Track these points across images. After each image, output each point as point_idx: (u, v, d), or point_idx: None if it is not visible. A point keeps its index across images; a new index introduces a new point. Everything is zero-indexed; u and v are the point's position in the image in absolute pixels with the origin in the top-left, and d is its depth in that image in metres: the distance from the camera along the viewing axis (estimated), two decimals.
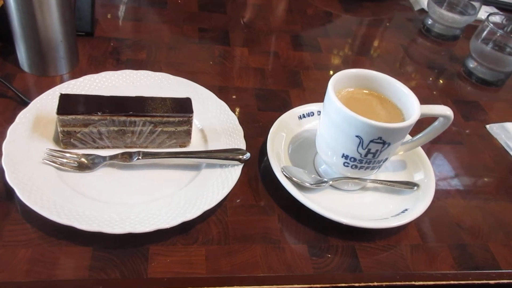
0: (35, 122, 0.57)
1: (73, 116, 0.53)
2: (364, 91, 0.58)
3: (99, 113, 0.54)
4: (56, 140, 0.56)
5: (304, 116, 0.67)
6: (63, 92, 0.55)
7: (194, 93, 0.66)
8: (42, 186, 0.50)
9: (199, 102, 0.64)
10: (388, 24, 1.04)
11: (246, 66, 0.80)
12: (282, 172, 0.56)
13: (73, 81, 0.64)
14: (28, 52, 0.66)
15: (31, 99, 0.61)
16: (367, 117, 0.50)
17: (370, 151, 0.52)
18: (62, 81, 0.68)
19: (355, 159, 0.53)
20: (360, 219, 0.53)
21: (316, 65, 0.85)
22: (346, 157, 0.54)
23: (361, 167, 0.54)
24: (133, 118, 0.55)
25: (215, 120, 0.63)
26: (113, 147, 0.58)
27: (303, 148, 0.64)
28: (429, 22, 1.02)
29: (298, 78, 0.80)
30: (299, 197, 0.54)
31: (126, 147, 0.58)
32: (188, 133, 0.59)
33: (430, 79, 0.88)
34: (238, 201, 0.57)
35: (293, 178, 0.56)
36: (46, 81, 0.68)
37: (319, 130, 0.57)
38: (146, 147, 0.59)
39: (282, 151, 0.62)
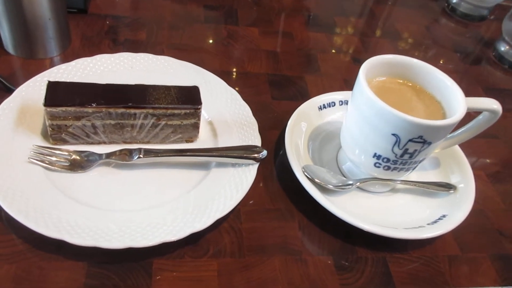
0: (20, 113, 0.50)
1: (63, 108, 0.46)
2: (398, 81, 0.50)
3: (94, 105, 0.46)
4: (45, 135, 0.49)
5: (324, 107, 0.60)
6: (51, 79, 0.48)
7: (201, 80, 0.59)
8: (28, 190, 0.43)
9: (207, 90, 0.57)
10: (410, 2, 0.96)
11: (257, 48, 0.72)
12: (303, 172, 0.49)
13: (63, 66, 0.56)
14: (13, 31, 0.58)
15: (16, 86, 0.53)
16: (404, 112, 0.42)
17: (407, 151, 0.45)
18: (51, 64, 0.60)
19: (388, 160, 0.47)
20: (393, 228, 0.47)
21: (333, 47, 0.77)
22: (378, 157, 0.47)
23: (394, 169, 0.48)
24: (132, 110, 0.48)
25: (225, 111, 0.56)
26: (110, 143, 0.50)
27: (324, 143, 0.57)
28: (454, 1, 0.93)
29: (314, 62, 0.72)
30: (323, 202, 0.47)
31: (124, 142, 0.51)
32: (196, 127, 0.51)
33: (457, 64, 0.81)
34: (251, 202, 0.50)
35: (315, 180, 0.49)
36: (33, 64, 0.60)
37: (346, 124, 0.50)
38: (147, 142, 0.51)
39: (301, 146, 0.55)
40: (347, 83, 0.69)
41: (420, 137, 0.43)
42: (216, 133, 0.54)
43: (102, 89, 0.48)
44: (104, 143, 0.50)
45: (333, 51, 0.76)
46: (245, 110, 0.56)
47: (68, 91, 0.47)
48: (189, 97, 0.50)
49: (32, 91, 0.52)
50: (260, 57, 0.70)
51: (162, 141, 0.52)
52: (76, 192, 0.45)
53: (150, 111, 0.48)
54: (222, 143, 0.53)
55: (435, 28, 0.90)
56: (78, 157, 0.48)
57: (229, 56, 0.69)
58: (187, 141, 0.53)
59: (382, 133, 0.45)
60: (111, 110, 0.47)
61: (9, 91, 0.54)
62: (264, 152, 0.50)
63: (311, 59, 0.73)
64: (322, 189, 0.49)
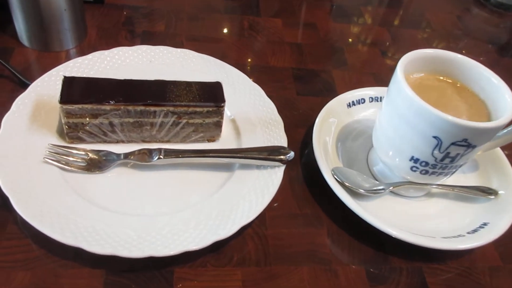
0: (35, 109, 0.47)
1: (80, 106, 0.43)
2: (437, 77, 0.47)
3: (111, 102, 0.44)
4: (60, 133, 0.47)
5: (353, 104, 0.56)
6: (67, 74, 0.45)
7: (223, 75, 0.56)
8: (43, 192, 0.41)
9: (229, 86, 0.54)
10: None
11: (280, 41, 0.68)
12: (332, 175, 0.46)
13: (80, 59, 0.53)
14: (27, 23, 0.56)
15: (31, 80, 0.51)
16: (445, 112, 0.39)
17: (448, 155, 0.41)
18: (67, 57, 0.58)
19: (427, 164, 0.43)
20: (430, 238, 0.43)
21: (360, 39, 0.73)
22: (415, 160, 0.43)
23: (433, 173, 0.44)
24: (152, 108, 0.45)
25: (249, 108, 0.53)
26: (128, 142, 0.48)
27: (353, 143, 0.54)
28: None
29: (341, 55, 0.68)
30: (354, 207, 0.44)
31: (143, 141, 0.48)
32: (219, 126, 0.49)
33: (490, 56, 0.76)
34: (276, 206, 0.47)
35: (346, 183, 0.46)
36: (49, 57, 0.58)
37: (380, 124, 0.47)
38: (167, 141, 0.49)
39: (330, 146, 0.52)
40: (376, 77, 0.65)
41: (465, 140, 0.40)
42: (239, 131, 0.51)
43: (120, 85, 0.45)
44: (122, 141, 0.48)
45: (360, 43, 0.72)
46: (270, 107, 0.53)
47: (84, 87, 0.44)
48: (212, 94, 0.47)
49: (47, 86, 0.50)
50: (283, 50, 0.67)
51: (183, 140, 0.49)
52: (93, 194, 0.42)
53: (171, 109, 0.45)
54: (245, 143, 0.50)
55: (467, 18, 0.85)
56: (95, 157, 0.45)
57: (251, 48, 0.66)
58: (209, 140, 0.50)
59: (421, 135, 0.41)
60: (130, 108, 0.44)
61: (24, 86, 0.51)
62: (291, 154, 0.47)
63: (337, 52, 0.69)
64: (353, 193, 0.46)
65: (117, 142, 0.48)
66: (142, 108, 0.45)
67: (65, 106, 0.43)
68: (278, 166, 0.47)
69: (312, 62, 0.65)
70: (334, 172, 0.47)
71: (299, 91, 0.60)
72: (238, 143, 0.50)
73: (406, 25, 0.79)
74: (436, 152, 0.41)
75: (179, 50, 0.58)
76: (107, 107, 0.44)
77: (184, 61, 0.57)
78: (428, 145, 0.41)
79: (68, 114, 0.44)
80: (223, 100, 0.46)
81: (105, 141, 0.47)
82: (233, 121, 0.52)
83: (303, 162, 0.52)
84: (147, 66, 0.55)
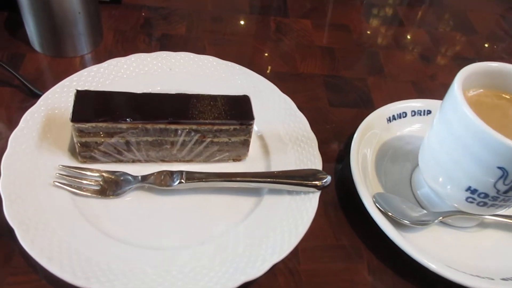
0: (45, 125, 0.43)
1: (93, 124, 0.39)
2: (498, 94, 0.41)
3: (128, 120, 0.39)
4: (72, 151, 0.42)
5: (394, 118, 0.51)
6: (81, 85, 0.42)
7: (249, 85, 0.51)
8: (52, 222, 0.37)
9: (256, 98, 0.48)
10: None
11: (310, 44, 0.63)
12: (374, 203, 0.41)
13: (95, 67, 0.49)
14: (39, 27, 0.51)
15: (42, 89, 0.47)
16: (507, 135, 0.33)
17: None
18: (82, 64, 0.54)
19: (486, 195, 0.37)
20: (487, 279, 0.38)
21: (398, 43, 0.67)
22: (472, 191, 0.38)
23: (492, 205, 0.38)
24: (173, 126, 0.40)
25: (278, 123, 0.48)
26: (146, 161, 0.43)
27: (395, 162, 0.48)
28: None
29: (377, 61, 0.63)
30: (398, 241, 0.39)
31: (162, 161, 0.44)
32: (246, 144, 0.44)
33: None
34: (309, 235, 0.42)
35: (389, 213, 0.41)
36: (62, 63, 0.53)
37: (429, 143, 0.41)
38: (189, 161, 0.44)
39: (369, 167, 0.46)
40: (416, 86, 0.59)
41: None
42: (268, 150, 0.46)
43: (138, 100, 0.41)
44: (139, 161, 0.43)
45: (397, 46, 0.66)
46: (302, 122, 0.48)
47: (99, 103, 0.40)
48: (239, 109, 0.42)
49: (59, 98, 0.46)
50: (314, 55, 0.61)
51: (206, 160, 0.44)
52: (108, 224, 0.38)
53: (194, 127, 0.41)
54: (275, 163, 0.45)
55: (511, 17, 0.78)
56: (110, 179, 0.41)
57: (278, 53, 0.61)
58: (234, 160, 0.45)
59: (482, 164, 0.35)
60: (149, 126, 0.40)
61: (34, 96, 0.47)
62: (328, 179, 0.42)
63: (373, 57, 0.63)
64: (396, 222, 0.41)
65: (133, 161, 0.43)
66: (162, 126, 0.40)
67: (77, 125, 0.39)
68: (313, 192, 0.41)
69: (345, 68, 0.60)
70: (376, 199, 0.41)
71: (331, 101, 0.55)
72: (267, 163, 0.45)
73: (446, 25, 0.73)
74: (499, 184, 0.36)
75: (201, 57, 0.53)
76: (124, 126, 0.39)
77: (207, 69, 0.52)
78: (491, 176, 0.35)
79: (80, 132, 0.39)
80: (252, 117, 0.41)
81: (120, 161, 0.43)
82: (261, 137, 0.47)
83: (338, 184, 0.46)
84: (167, 75, 0.51)
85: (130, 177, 0.41)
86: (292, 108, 0.49)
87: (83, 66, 0.51)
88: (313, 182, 0.41)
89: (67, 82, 0.47)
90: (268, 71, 0.56)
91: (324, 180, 0.41)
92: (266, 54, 0.60)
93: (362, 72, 0.60)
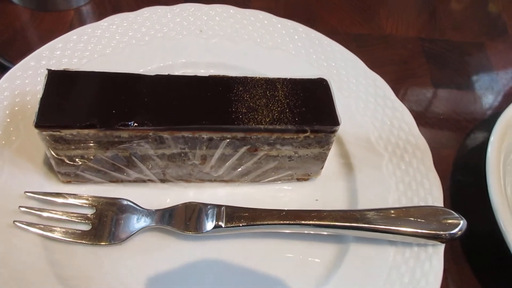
0: (11, 119, 0.28)
1: (74, 131, 0.23)
2: None
3: (132, 124, 0.23)
4: (49, 167, 0.27)
5: None
6: (66, 60, 0.27)
7: (318, 56, 0.34)
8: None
9: (331, 77, 0.31)
10: None
11: None
12: None
13: (89, 27, 0.34)
14: None
15: (14, 60, 0.32)
16: None
17: None
18: (75, 21, 0.38)
19: None
20: None
21: None
22: None
23: None
24: (207, 134, 0.24)
25: (366, 120, 0.31)
26: (161, 180, 0.28)
27: None
28: None
29: (497, 18, 0.43)
30: None
31: (187, 181, 0.28)
32: (321, 159, 0.27)
33: None
34: None
35: None
36: (47, 20, 0.40)
37: None
38: (229, 181, 0.28)
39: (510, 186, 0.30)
40: None
41: None
42: (351, 163, 0.30)
43: (149, 88, 0.25)
44: (151, 181, 0.28)
45: None
46: (404, 118, 0.31)
47: (85, 93, 0.24)
48: (314, 105, 0.25)
49: (33, 75, 0.30)
50: (405, 10, 0.42)
51: (255, 180, 0.28)
52: None
53: (240, 135, 0.24)
54: (363, 186, 0.29)
55: None
56: (105, 214, 0.26)
57: (354, 6, 0.42)
58: (299, 180, 0.29)
59: None
60: (166, 134, 0.24)
61: (3, 70, 0.32)
62: (462, 225, 0.25)
63: (491, 15, 0.44)
64: None
65: (143, 181, 0.28)
66: (189, 135, 0.24)
67: (46, 132, 0.23)
68: (433, 245, 0.25)
69: (451, 28, 0.42)
70: None
71: (435, 80, 0.38)
72: (349, 185, 0.29)
73: None
74: None
75: (246, 12, 0.36)
76: (125, 133, 0.24)
77: (255, 31, 0.35)
78: None
79: (55, 143, 0.24)
80: (336, 121, 0.25)
81: (121, 180, 0.27)
82: (339, 142, 0.30)
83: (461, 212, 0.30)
84: (195, 40, 0.35)
85: (137, 212, 0.26)
86: (386, 94, 0.32)
87: (75, 24, 0.35)
88: (436, 232, 0.25)
89: (46, 51, 0.31)
90: (338, 32, 0.38)
91: (455, 229, 0.25)
92: (337, 7, 0.42)
93: (477, 35, 0.42)
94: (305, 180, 0.29)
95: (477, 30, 0.42)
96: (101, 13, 0.39)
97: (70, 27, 0.36)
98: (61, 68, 0.26)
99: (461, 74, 0.39)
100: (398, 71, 0.38)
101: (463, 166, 0.32)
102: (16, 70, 0.31)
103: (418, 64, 0.38)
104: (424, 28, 0.41)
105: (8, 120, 0.28)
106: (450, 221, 0.25)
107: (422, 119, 0.34)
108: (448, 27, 0.42)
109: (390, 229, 0.25)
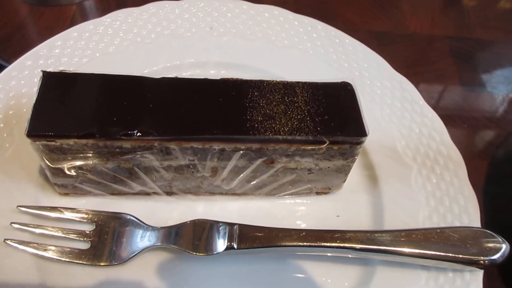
0: (4, 124, 0.26)
1: (71, 141, 0.21)
2: None
3: (135, 133, 0.21)
4: (45, 178, 0.25)
5: None
6: (65, 59, 0.26)
7: (339, 56, 0.31)
8: None
9: (354, 80, 0.29)
10: None
11: None
12: None
13: (91, 24, 0.31)
14: None
15: (11, 58, 0.30)
16: None
17: None
18: (76, 16, 0.35)
19: None
20: None
21: None
22: None
23: None
24: (218, 145, 0.22)
25: (392, 128, 0.28)
26: (167, 193, 0.25)
27: None
28: None
29: None
30: None
31: (194, 193, 0.25)
32: (344, 172, 0.25)
33: None
34: None
35: None
36: (47, 16, 0.37)
37: None
38: (242, 194, 0.26)
39: None
40: None
41: None
42: (376, 175, 0.27)
43: (153, 92, 0.22)
44: (156, 194, 0.25)
45: None
46: (434, 125, 0.28)
47: (83, 98, 0.22)
48: (337, 112, 0.23)
49: (29, 75, 0.28)
50: (431, 4, 0.39)
51: (271, 193, 0.26)
52: None
53: (256, 146, 0.22)
54: (390, 201, 0.26)
55: None
56: (106, 231, 0.23)
57: (374, 1, 0.39)
58: (318, 193, 0.26)
59: None
60: (173, 145, 0.21)
61: None
62: (504, 250, 0.22)
63: None
64: None
65: (147, 194, 0.25)
66: (199, 146, 0.21)
67: (40, 142, 0.21)
68: (470, 271, 0.22)
69: (482, 26, 0.39)
70: None
71: (464, 80, 0.35)
72: (374, 200, 0.27)
73: None
74: None
75: (260, 8, 0.33)
76: (127, 144, 0.21)
77: (270, 28, 0.32)
78: None
79: (50, 153, 0.21)
80: (363, 131, 0.22)
81: (123, 193, 0.25)
82: (363, 151, 0.28)
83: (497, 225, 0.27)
84: (205, 38, 0.32)
85: (141, 229, 0.23)
86: (414, 98, 0.29)
87: (77, 20, 0.33)
88: (475, 257, 0.22)
89: (44, 49, 0.29)
90: (362, 30, 0.36)
91: (497, 255, 0.22)
92: (358, 3, 0.39)
93: (508, 32, 0.38)
94: (325, 193, 0.27)
95: (508, 28, 0.39)
96: (104, 8, 0.36)
97: (72, 23, 0.34)
98: (59, 68, 0.23)
99: (492, 75, 0.36)
100: (424, 72, 0.35)
101: (497, 178, 0.30)
102: (11, 70, 0.28)
103: (444, 63, 0.36)
104: (450, 26, 0.38)
105: (1, 125, 0.26)
106: (490, 244, 0.22)
107: (451, 125, 0.32)
108: (477, 25, 0.39)
109: (423, 253, 0.22)
